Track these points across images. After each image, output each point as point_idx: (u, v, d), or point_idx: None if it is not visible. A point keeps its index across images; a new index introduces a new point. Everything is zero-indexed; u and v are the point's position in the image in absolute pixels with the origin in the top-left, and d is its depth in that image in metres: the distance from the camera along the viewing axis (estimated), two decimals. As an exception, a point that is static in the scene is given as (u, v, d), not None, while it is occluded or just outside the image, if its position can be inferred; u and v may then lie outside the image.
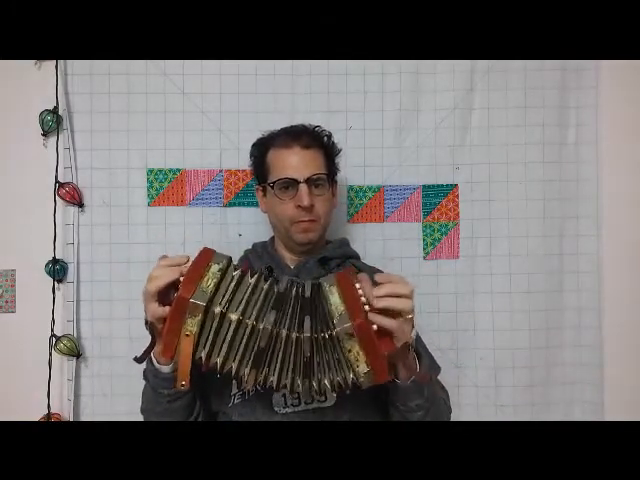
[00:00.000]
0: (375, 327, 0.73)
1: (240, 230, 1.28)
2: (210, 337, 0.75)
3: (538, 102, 1.29)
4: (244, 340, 0.75)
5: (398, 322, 0.74)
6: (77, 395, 1.25)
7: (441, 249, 1.30)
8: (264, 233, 1.21)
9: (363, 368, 0.73)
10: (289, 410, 0.88)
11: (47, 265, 1.25)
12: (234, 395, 0.90)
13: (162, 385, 0.83)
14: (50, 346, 1.24)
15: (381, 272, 1.08)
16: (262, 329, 0.74)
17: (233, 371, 0.76)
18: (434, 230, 1.30)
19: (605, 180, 1.29)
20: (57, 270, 1.24)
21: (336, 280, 0.79)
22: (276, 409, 0.88)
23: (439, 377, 1.02)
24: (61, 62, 1.25)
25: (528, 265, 1.29)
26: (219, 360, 0.75)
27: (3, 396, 1.26)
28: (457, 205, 1.30)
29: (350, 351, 0.73)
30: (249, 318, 0.75)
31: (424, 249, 1.30)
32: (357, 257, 1.10)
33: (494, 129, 1.29)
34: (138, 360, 0.81)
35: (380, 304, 0.74)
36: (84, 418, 1.26)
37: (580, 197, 1.30)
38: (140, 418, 0.93)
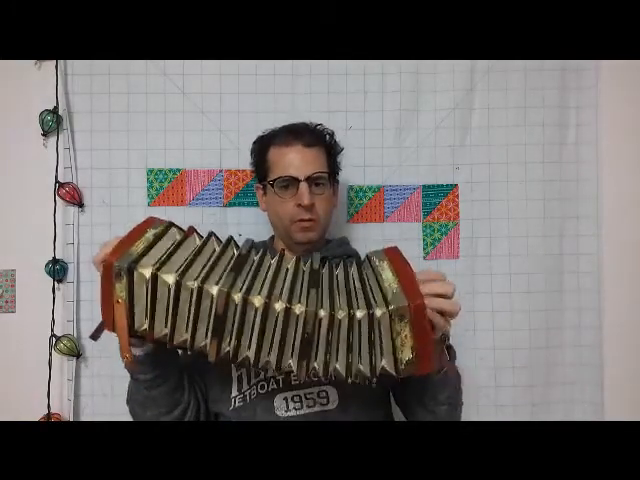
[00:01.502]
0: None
1: (240, 230, 1.28)
2: (148, 304, 0.68)
3: (538, 102, 1.29)
4: (192, 305, 0.66)
5: (442, 319, 0.69)
6: (77, 395, 1.26)
7: (441, 249, 1.30)
8: (264, 233, 1.20)
9: (407, 354, 0.65)
10: (291, 414, 0.87)
11: (47, 265, 1.25)
12: (234, 398, 0.90)
13: (137, 370, 0.82)
14: (50, 346, 1.24)
15: None
16: (214, 292, 0.65)
17: (187, 343, 0.69)
18: (434, 230, 1.30)
19: (605, 180, 1.29)
20: (57, 270, 1.24)
21: (387, 256, 0.72)
22: (278, 413, 0.87)
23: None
24: (61, 62, 1.25)
25: (528, 265, 1.29)
26: (166, 330, 0.68)
27: (3, 396, 1.26)
28: (457, 205, 1.30)
29: (398, 334, 0.64)
30: (191, 279, 0.66)
31: (424, 249, 1.30)
32: (357, 256, 1.09)
33: (494, 129, 1.29)
34: (93, 337, 0.77)
35: (431, 305, 0.67)
36: (84, 418, 1.26)
37: (580, 197, 1.30)
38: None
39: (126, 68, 1.26)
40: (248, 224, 1.28)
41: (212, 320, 0.66)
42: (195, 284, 0.66)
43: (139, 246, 0.69)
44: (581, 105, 1.29)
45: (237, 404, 0.89)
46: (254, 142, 1.08)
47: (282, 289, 0.68)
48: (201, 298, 0.66)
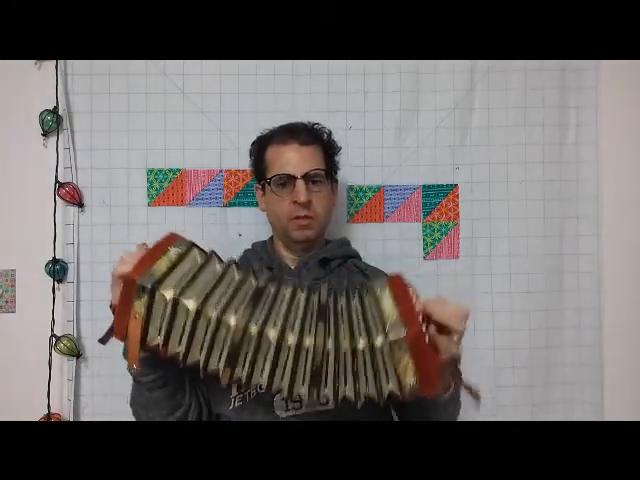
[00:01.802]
0: (427, 339, 0.67)
1: (240, 230, 1.28)
2: (164, 324, 0.69)
3: (538, 102, 1.29)
4: (209, 332, 0.68)
5: (447, 339, 0.69)
6: (77, 395, 1.26)
7: (441, 249, 1.30)
8: (264, 233, 1.20)
9: (410, 380, 0.66)
10: (290, 413, 0.87)
11: (47, 265, 1.25)
12: (234, 398, 0.89)
13: (139, 372, 0.82)
14: (50, 346, 1.24)
15: (382, 272, 1.08)
16: (233, 325, 0.67)
17: (201, 364, 0.70)
18: (434, 230, 1.30)
19: (605, 180, 1.29)
20: (57, 270, 1.24)
21: (389, 283, 0.74)
22: (277, 412, 0.87)
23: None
24: (61, 62, 1.25)
25: (528, 265, 1.29)
26: (180, 350, 0.70)
27: (3, 396, 1.26)
28: (457, 205, 1.30)
29: (400, 362, 0.66)
30: (211, 307, 0.68)
31: (424, 249, 1.30)
32: (358, 257, 1.09)
33: (494, 129, 1.29)
34: (101, 340, 0.78)
35: (435, 314, 0.68)
36: (84, 418, 1.26)
37: (580, 197, 1.30)
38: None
39: (126, 68, 1.26)
40: (248, 224, 1.28)
41: (227, 348, 0.68)
42: (215, 314, 0.68)
43: (162, 265, 0.70)
44: (581, 105, 1.29)
45: (236, 404, 0.89)
46: (252, 142, 1.08)
47: (294, 323, 0.70)
48: (219, 327, 0.68)
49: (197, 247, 0.78)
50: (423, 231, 1.30)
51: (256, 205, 1.25)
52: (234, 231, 1.28)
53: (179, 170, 1.28)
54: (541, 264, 1.29)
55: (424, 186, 1.30)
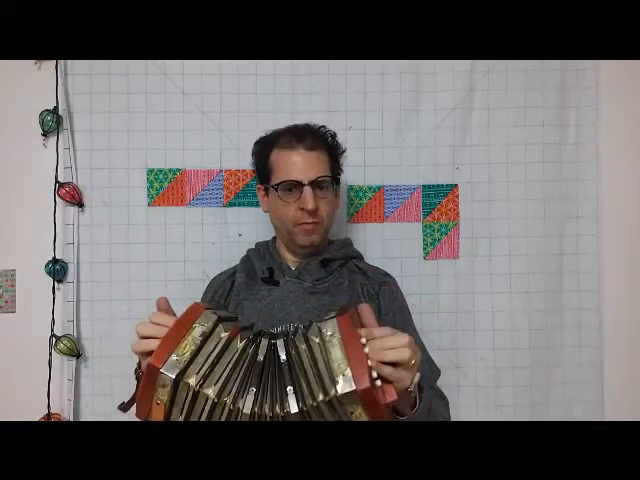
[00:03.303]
0: (376, 375, 0.68)
1: (240, 230, 1.28)
2: (185, 410, 0.70)
3: (538, 102, 1.29)
4: (224, 417, 0.70)
5: (397, 371, 0.69)
6: (77, 395, 1.26)
7: (441, 249, 1.30)
8: (264, 233, 1.21)
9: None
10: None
11: (47, 265, 1.25)
12: None
13: None
14: (50, 346, 1.24)
15: (384, 272, 1.08)
16: (242, 412, 0.69)
17: None
18: (434, 230, 1.30)
19: (605, 180, 1.30)
20: (57, 270, 1.24)
21: (338, 327, 0.71)
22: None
23: (440, 380, 1.02)
24: (61, 62, 1.25)
25: (528, 265, 1.29)
26: None
27: (3, 396, 1.26)
28: (457, 205, 1.30)
29: (352, 413, 0.67)
30: (227, 396, 0.70)
31: (424, 249, 1.30)
32: (360, 257, 1.09)
33: (494, 129, 1.29)
34: (124, 409, 0.77)
35: (378, 357, 0.68)
36: (84, 418, 1.26)
37: (580, 197, 1.30)
38: (140, 418, 0.93)
39: (126, 68, 1.27)
40: (248, 224, 1.28)
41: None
42: (229, 400, 0.70)
43: (186, 349, 0.69)
44: (581, 105, 1.30)
45: None
46: (256, 143, 1.07)
47: (281, 395, 0.71)
48: (231, 412, 0.70)
49: (222, 320, 0.75)
50: (423, 231, 1.30)
51: (256, 205, 1.26)
52: (234, 231, 1.29)
53: (179, 170, 1.28)
54: (541, 264, 1.29)
55: (424, 186, 1.30)
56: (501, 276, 1.29)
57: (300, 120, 1.07)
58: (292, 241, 1.01)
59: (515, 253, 1.29)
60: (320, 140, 1.01)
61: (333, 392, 0.66)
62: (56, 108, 1.25)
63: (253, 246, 1.11)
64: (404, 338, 0.70)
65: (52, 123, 1.24)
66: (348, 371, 0.67)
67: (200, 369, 0.69)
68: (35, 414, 1.24)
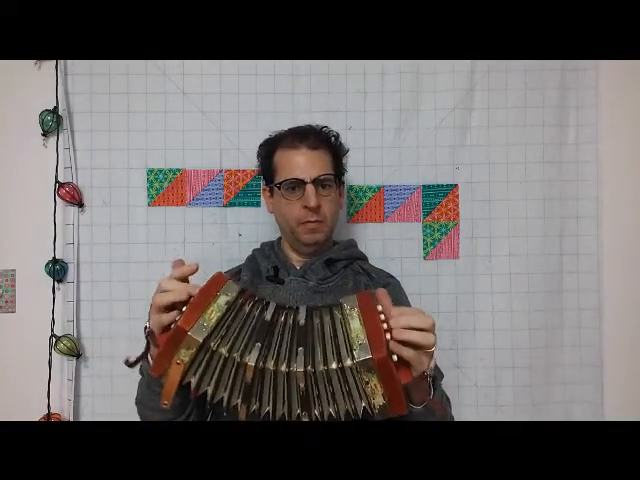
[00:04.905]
0: (395, 358, 0.70)
1: (240, 230, 1.28)
2: (200, 369, 0.73)
3: (538, 102, 1.29)
4: (232, 374, 0.73)
5: (418, 354, 0.70)
6: (77, 395, 1.26)
7: (441, 249, 1.30)
8: (264, 233, 1.21)
9: (379, 400, 0.69)
10: None
11: (47, 265, 1.25)
12: None
13: (155, 383, 0.83)
14: (50, 346, 1.24)
15: (387, 274, 1.08)
16: (247, 365, 0.72)
17: (224, 402, 0.75)
18: (434, 230, 1.30)
19: (605, 180, 1.30)
20: (57, 270, 1.24)
21: (358, 302, 0.75)
22: None
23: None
24: (61, 62, 1.25)
25: (528, 265, 1.29)
26: (209, 389, 0.74)
27: (3, 396, 1.26)
28: (457, 205, 1.30)
29: (367, 383, 0.69)
30: (236, 352, 0.73)
31: (424, 249, 1.30)
32: (364, 258, 1.10)
33: (494, 129, 1.29)
34: (130, 365, 0.79)
35: (402, 336, 0.69)
36: (84, 418, 1.26)
37: (580, 197, 1.30)
38: (139, 418, 0.93)
39: (126, 68, 1.26)
40: (248, 224, 1.28)
41: (244, 385, 0.73)
42: (237, 355, 0.72)
43: (212, 316, 0.73)
44: (581, 105, 1.30)
45: None
46: (260, 145, 1.08)
47: (285, 352, 0.74)
48: (239, 368, 0.73)
49: (243, 291, 0.80)
50: (423, 231, 1.30)
51: (256, 205, 1.26)
52: (234, 231, 1.29)
53: (179, 170, 1.28)
54: (541, 264, 1.29)
55: (424, 186, 1.30)
56: (501, 276, 1.29)
57: (300, 120, 1.08)
58: (296, 240, 1.01)
59: (515, 253, 1.29)
60: (323, 140, 1.02)
61: (349, 361, 0.69)
62: (56, 108, 1.25)
63: (253, 246, 1.11)
64: (428, 319, 0.71)
65: (52, 123, 1.24)
66: (365, 340, 0.69)
67: (218, 334, 0.73)
68: (35, 414, 1.24)
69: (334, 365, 0.70)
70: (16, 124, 1.27)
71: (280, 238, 1.09)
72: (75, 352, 1.24)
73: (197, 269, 0.79)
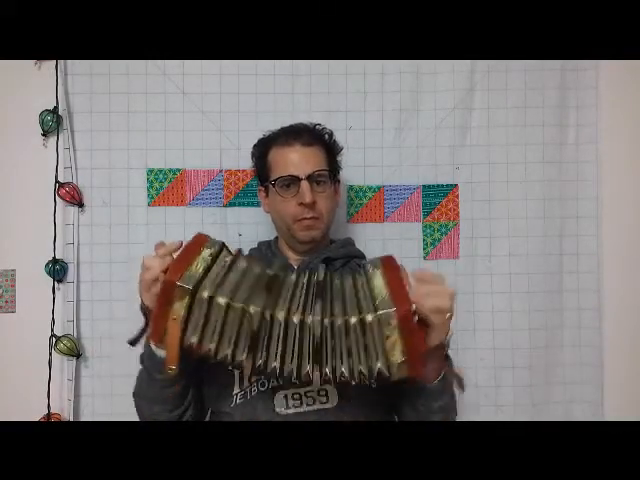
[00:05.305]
0: (416, 318, 0.69)
1: (240, 230, 1.28)
2: (200, 322, 0.72)
3: (538, 102, 1.29)
4: (236, 324, 0.72)
5: (440, 318, 0.71)
6: (77, 395, 1.26)
7: (441, 249, 1.30)
8: (264, 233, 1.21)
9: (398, 358, 0.68)
10: (290, 411, 0.87)
11: (47, 265, 1.25)
12: (236, 395, 0.90)
13: (157, 369, 0.82)
14: (50, 346, 1.24)
15: None
16: (252, 312, 0.71)
17: (229, 357, 0.73)
18: (434, 230, 1.30)
19: (605, 180, 1.30)
20: (57, 270, 1.24)
21: (381, 263, 0.76)
22: (277, 410, 0.87)
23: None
24: (61, 62, 1.25)
25: (528, 265, 1.29)
26: (212, 346, 0.73)
27: (3, 396, 1.26)
28: (457, 205, 1.30)
29: (388, 338, 0.68)
30: (238, 301, 0.72)
31: (424, 249, 1.30)
32: (362, 257, 1.09)
33: (494, 129, 1.29)
34: (132, 342, 0.81)
35: (426, 302, 0.70)
36: (84, 418, 1.26)
37: (580, 197, 1.30)
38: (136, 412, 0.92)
39: (126, 68, 1.26)
40: (248, 224, 1.28)
41: (249, 336, 0.72)
42: (239, 305, 0.71)
43: (198, 266, 0.73)
44: (581, 105, 1.30)
45: (238, 401, 0.90)
46: (254, 145, 1.08)
47: (298, 303, 0.73)
48: (243, 318, 0.72)
49: (226, 247, 0.81)
50: (423, 231, 1.30)
51: (256, 205, 1.26)
52: (234, 231, 1.28)
53: (179, 170, 1.28)
54: (541, 264, 1.29)
55: (424, 186, 1.30)
56: (501, 276, 1.29)
57: (300, 120, 1.07)
58: (293, 238, 1.01)
59: (515, 253, 1.29)
60: (316, 137, 1.02)
61: (370, 316, 0.68)
62: (56, 108, 1.24)
63: (255, 246, 1.11)
64: (449, 289, 0.73)
65: (52, 123, 1.24)
66: (388, 295, 0.69)
67: (212, 283, 0.73)
68: (35, 414, 1.24)
69: (354, 319, 0.69)
70: (16, 124, 1.27)
71: (277, 237, 1.09)
72: (75, 352, 1.24)
73: (181, 245, 0.79)
